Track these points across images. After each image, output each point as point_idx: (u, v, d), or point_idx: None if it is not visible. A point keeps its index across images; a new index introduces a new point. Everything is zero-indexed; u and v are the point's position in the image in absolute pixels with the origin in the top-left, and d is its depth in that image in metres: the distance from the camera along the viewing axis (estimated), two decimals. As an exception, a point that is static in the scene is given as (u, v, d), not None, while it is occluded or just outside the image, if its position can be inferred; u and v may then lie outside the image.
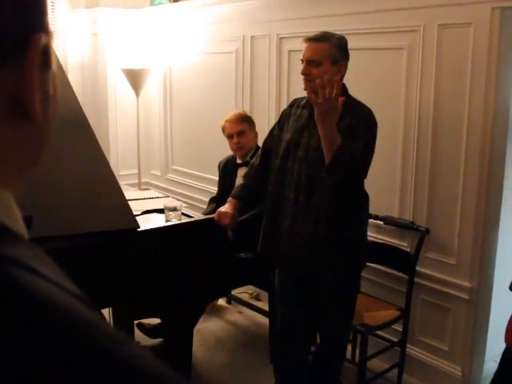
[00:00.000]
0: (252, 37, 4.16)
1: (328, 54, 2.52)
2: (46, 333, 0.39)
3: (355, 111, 2.55)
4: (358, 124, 2.49)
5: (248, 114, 3.72)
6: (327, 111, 2.29)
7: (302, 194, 2.59)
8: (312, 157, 2.55)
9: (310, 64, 2.54)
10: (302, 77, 2.59)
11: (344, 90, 2.63)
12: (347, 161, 2.35)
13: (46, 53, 0.50)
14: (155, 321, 3.57)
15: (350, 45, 3.29)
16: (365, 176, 2.57)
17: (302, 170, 2.59)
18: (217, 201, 3.65)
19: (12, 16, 0.46)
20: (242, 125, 3.51)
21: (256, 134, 3.56)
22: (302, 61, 2.59)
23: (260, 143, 3.15)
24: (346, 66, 2.62)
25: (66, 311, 0.41)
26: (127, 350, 0.42)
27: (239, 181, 3.48)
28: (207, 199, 3.93)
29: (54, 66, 0.53)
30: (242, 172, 3.49)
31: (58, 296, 0.42)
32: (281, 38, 3.92)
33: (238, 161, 3.58)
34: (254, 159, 3.01)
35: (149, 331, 3.61)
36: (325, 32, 2.61)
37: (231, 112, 3.69)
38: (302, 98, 2.73)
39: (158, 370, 0.42)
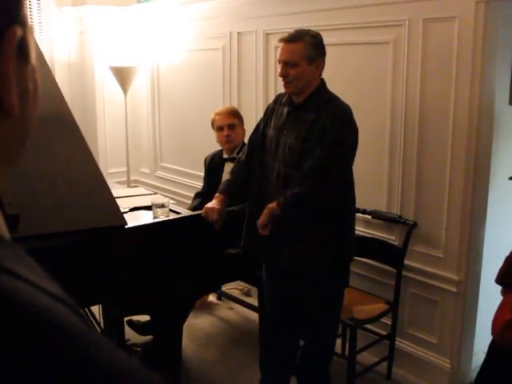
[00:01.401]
0: (239, 33, 4.16)
1: (303, 54, 2.52)
2: (22, 337, 0.37)
3: (330, 109, 2.54)
4: (331, 126, 2.50)
5: (238, 110, 3.72)
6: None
7: (281, 191, 2.61)
8: (288, 155, 2.58)
9: (287, 65, 2.55)
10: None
11: (322, 85, 2.64)
12: (300, 197, 2.52)
13: (22, 46, 0.49)
14: (145, 317, 3.57)
15: (335, 40, 3.31)
16: (347, 173, 2.61)
17: (281, 168, 2.62)
18: (202, 196, 3.65)
19: None
20: (232, 118, 3.52)
21: (244, 131, 3.57)
22: (279, 62, 2.60)
23: (246, 139, 3.16)
24: (323, 62, 2.62)
25: (43, 314, 0.39)
26: (108, 356, 0.41)
27: (226, 176, 3.48)
28: (195, 195, 3.93)
29: (33, 60, 0.51)
30: (228, 167, 3.49)
31: (37, 298, 0.41)
32: (267, 34, 3.92)
33: (225, 155, 3.58)
34: (240, 154, 3.01)
35: (139, 328, 3.61)
36: (299, 30, 2.59)
37: (221, 106, 3.69)
38: (285, 94, 2.74)
39: (144, 378, 0.41)
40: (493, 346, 2.43)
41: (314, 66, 2.56)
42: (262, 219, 2.57)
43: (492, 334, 2.39)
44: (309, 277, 2.70)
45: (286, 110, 2.66)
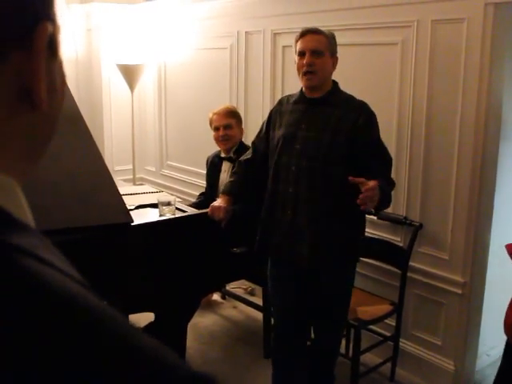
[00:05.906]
0: (246, 32, 4.16)
1: (327, 45, 2.61)
2: (60, 322, 0.39)
3: (356, 107, 2.63)
4: (367, 125, 2.61)
5: (236, 109, 3.72)
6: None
7: (303, 187, 2.59)
8: (311, 149, 2.58)
9: (313, 54, 2.58)
10: (299, 72, 2.63)
11: (337, 85, 2.70)
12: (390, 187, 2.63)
13: (52, 42, 0.50)
14: (146, 320, 3.57)
15: (344, 40, 3.30)
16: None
17: (302, 163, 2.59)
18: (205, 195, 3.67)
19: (18, 3, 0.47)
20: (229, 119, 3.52)
21: (242, 131, 3.58)
22: (301, 53, 2.60)
23: (249, 139, 3.16)
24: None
25: (77, 300, 0.41)
26: (139, 339, 0.42)
27: (223, 175, 3.51)
28: (200, 194, 3.94)
29: (60, 56, 0.53)
30: (225, 166, 3.51)
31: (68, 285, 0.43)
32: (275, 34, 3.92)
33: (222, 154, 3.59)
34: (242, 157, 3.00)
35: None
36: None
37: (220, 106, 3.68)
38: (292, 95, 2.77)
39: (171, 359, 0.43)
40: (509, 347, 2.41)
41: (334, 59, 2.66)
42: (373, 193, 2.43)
43: (505, 332, 2.38)
44: (320, 276, 2.70)
45: (301, 106, 2.67)
